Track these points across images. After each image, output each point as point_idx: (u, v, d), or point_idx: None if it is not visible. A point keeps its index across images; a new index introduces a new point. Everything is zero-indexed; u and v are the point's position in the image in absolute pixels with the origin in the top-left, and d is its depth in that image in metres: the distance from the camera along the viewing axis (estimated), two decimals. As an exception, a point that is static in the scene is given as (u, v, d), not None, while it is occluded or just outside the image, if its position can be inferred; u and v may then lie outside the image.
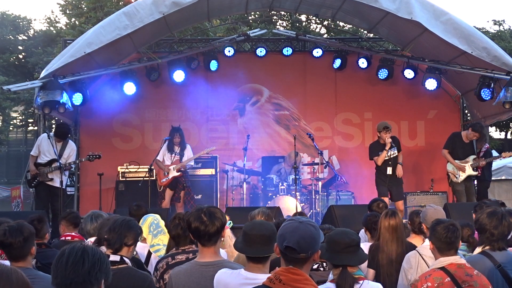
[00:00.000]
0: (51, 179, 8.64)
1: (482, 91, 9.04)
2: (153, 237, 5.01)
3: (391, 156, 8.92)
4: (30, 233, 3.46)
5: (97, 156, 8.90)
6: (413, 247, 4.53)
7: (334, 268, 3.23)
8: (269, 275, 2.83)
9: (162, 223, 5.23)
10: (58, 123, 9.53)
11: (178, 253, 3.87)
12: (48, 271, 4.29)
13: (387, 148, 8.87)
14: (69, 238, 5.29)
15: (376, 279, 4.54)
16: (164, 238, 5.04)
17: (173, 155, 9.44)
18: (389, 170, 8.90)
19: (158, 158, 9.41)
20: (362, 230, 5.51)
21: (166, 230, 5.16)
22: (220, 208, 3.42)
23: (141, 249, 4.89)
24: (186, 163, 9.44)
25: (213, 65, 10.53)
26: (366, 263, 4.61)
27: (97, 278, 2.10)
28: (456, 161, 9.36)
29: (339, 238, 3.18)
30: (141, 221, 5.13)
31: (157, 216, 5.28)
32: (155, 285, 3.59)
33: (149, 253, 4.94)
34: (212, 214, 3.28)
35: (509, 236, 3.98)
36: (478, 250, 3.92)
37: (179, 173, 9.36)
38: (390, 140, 8.85)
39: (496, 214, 3.83)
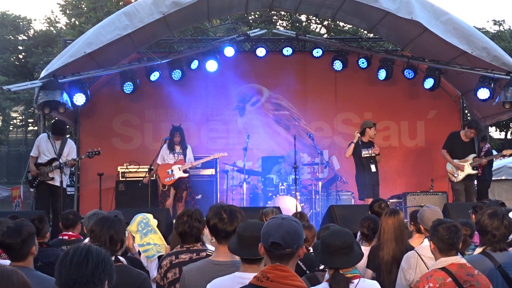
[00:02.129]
0: (52, 178, 8.65)
1: (479, 90, 9.05)
2: (143, 236, 5.02)
3: (372, 155, 9.19)
4: (29, 233, 3.45)
5: (97, 152, 8.90)
6: (411, 248, 4.53)
7: (329, 269, 3.23)
8: None
9: (153, 222, 5.22)
10: (54, 121, 9.55)
11: (182, 251, 3.88)
12: (49, 270, 4.32)
13: (354, 140, 9.21)
14: (66, 237, 5.36)
15: (376, 277, 4.54)
16: (154, 237, 5.04)
17: (176, 154, 9.45)
18: (373, 168, 9.18)
19: (158, 161, 9.41)
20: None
21: (157, 230, 5.16)
22: (241, 210, 3.46)
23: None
24: (195, 164, 9.46)
25: (213, 65, 10.51)
26: (365, 263, 4.62)
27: (101, 279, 2.10)
28: (455, 160, 9.36)
29: (331, 240, 3.17)
30: (132, 221, 5.15)
31: (148, 215, 5.29)
32: (149, 283, 3.60)
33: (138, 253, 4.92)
34: (233, 212, 3.34)
35: (510, 237, 3.98)
36: (478, 250, 3.92)
37: (186, 174, 9.38)
38: (357, 134, 9.28)
39: (497, 215, 3.83)
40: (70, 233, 5.41)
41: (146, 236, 4.99)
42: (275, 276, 2.41)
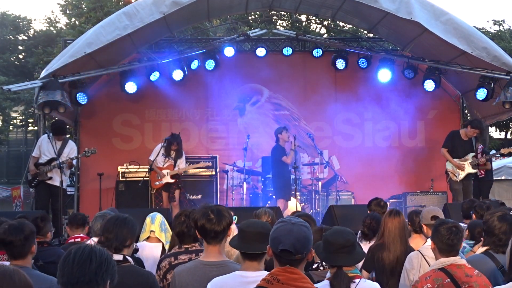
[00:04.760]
0: (50, 178, 8.63)
1: (477, 91, 9.05)
2: (165, 234, 5.04)
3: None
4: (31, 231, 3.46)
5: (93, 151, 8.87)
6: (412, 249, 4.53)
7: (332, 267, 3.23)
8: (264, 272, 2.84)
9: (165, 221, 5.25)
10: (53, 121, 9.55)
11: (181, 252, 3.87)
12: (50, 269, 4.31)
13: (293, 147, 9.41)
14: (78, 239, 5.28)
15: (379, 278, 4.53)
16: (170, 237, 5.07)
17: (167, 158, 9.48)
18: (292, 172, 9.48)
19: (150, 158, 9.45)
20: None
21: (169, 229, 5.18)
22: (227, 208, 3.45)
23: (152, 248, 4.88)
24: (182, 171, 9.52)
25: (212, 64, 10.53)
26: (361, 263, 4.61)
27: (103, 278, 2.10)
28: (455, 159, 9.36)
29: (333, 239, 3.17)
30: (148, 219, 5.12)
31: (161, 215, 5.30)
32: (157, 283, 3.60)
33: (164, 250, 4.92)
34: (220, 212, 3.31)
35: None
36: (481, 250, 3.91)
37: (173, 180, 9.42)
38: (293, 137, 9.46)
39: (506, 219, 3.83)
40: (81, 235, 5.36)
41: (165, 236, 5.03)
42: (285, 279, 2.41)
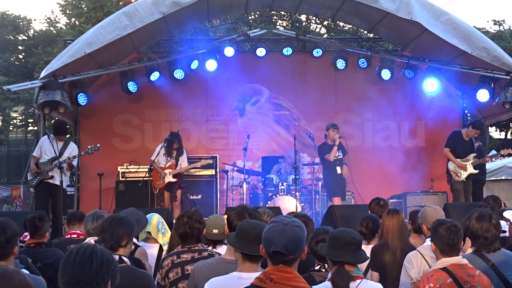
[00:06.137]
0: (52, 177, 8.62)
1: (478, 91, 9.05)
2: (162, 235, 5.02)
3: (338, 157, 9.55)
4: (13, 233, 3.41)
5: (96, 148, 8.86)
6: (412, 247, 4.52)
7: (334, 265, 3.22)
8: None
9: (164, 222, 5.23)
10: (54, 121, 9.55)
11: (184, 251, 3.87)
12: (49, 271, 4.30)
13: (336, 143, 9.44)
14: (74, 236, 5.27)
15: (382, 278, 4.52)
16: (169, 237, 5.05)
17: (168, 158, 9.49)
18: (339, 170, 9.53)
19: (152, 158, 9.45)
20: None
21: (168, 229, 5.17)
22: (260, 213, 3.49)
23: (149, 249, 4.86)
24: (183, 170, 9.51)
25: (213, 65, 10.52)
26: (368, 265, 4.60)
27: (104, 279, 2.09)
28: (458, 159, 9.35)
29: (340, 235, 3.20)
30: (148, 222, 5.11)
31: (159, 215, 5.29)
32: (154, 283, 3.59)
33: (161, 251, 4.91)
34: (255, 219, 3.42)
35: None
36: (470, 250, 3.91)
37: (175, 179, 9.43)
38: (338, 136, 9.49)
39: (484, 216, 3.79)
40: (78, 231, 5.34)
41: (164, 236, 5.01)
42: (278, 278, 2.41)
